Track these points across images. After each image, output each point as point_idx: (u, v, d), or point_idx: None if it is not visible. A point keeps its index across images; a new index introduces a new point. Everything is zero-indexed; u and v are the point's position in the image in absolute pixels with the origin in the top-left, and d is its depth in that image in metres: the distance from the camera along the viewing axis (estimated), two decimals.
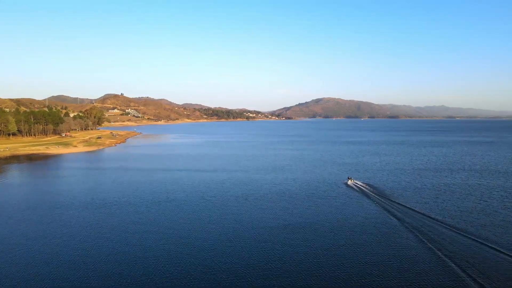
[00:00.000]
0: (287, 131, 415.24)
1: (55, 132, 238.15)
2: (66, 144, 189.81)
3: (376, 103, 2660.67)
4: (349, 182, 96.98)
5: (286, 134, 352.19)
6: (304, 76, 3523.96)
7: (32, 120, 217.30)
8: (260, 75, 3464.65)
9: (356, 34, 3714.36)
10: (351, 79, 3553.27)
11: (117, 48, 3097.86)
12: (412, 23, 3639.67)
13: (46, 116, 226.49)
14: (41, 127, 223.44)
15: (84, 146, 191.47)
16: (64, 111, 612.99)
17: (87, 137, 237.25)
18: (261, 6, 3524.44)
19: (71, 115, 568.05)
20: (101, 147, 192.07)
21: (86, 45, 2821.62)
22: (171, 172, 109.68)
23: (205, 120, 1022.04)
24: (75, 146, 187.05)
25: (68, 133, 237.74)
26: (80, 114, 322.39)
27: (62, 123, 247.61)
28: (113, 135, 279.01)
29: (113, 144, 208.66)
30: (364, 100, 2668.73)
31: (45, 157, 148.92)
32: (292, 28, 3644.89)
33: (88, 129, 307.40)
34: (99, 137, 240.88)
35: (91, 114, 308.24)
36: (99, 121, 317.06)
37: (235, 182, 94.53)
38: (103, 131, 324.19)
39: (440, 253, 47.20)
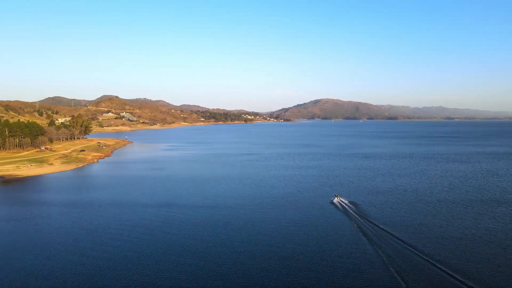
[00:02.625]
0: (288, 139, 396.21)
1: (34, 145, 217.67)
2: (41, 162, 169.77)
3: (375, 104, 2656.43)
4: (335, 200, 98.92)
5: (287, 142, 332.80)
6: (302, 77, 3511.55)
7: (6, 133, 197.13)
8: (258, 75, 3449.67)
9: (354, 34, 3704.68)
10: (349, 80, 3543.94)
11: (115, 49, 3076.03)
12: (409, 24, 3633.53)
13: (23, 128, 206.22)
14: (17, 140, 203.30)
15: (61, 163, 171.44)
16: (54, 115, 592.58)
17: (69, 150, 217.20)
18: (259, 7, 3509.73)
19: (62, 119, 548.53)
20: (80, 165, 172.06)
21: (83, 46, 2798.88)
22: (149, 210, 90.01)
23: (202, 123, 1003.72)
24: (51, 164, 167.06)
25: (48, 146, 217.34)
26: (65, 123, 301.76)
27: (42, 135, 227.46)
28: (100, 145, 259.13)
29: (95, 160, 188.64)
30: (362, 101, 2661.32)
31: (9, 182, 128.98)
32: (290, 29, 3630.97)
33: (74, 139, 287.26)
34: (82, 150, 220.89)
35: (77, 122, 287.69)
36: (86, 130, 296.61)
37: (223, 231, 74.74)
38: (91, 139, 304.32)
39: None
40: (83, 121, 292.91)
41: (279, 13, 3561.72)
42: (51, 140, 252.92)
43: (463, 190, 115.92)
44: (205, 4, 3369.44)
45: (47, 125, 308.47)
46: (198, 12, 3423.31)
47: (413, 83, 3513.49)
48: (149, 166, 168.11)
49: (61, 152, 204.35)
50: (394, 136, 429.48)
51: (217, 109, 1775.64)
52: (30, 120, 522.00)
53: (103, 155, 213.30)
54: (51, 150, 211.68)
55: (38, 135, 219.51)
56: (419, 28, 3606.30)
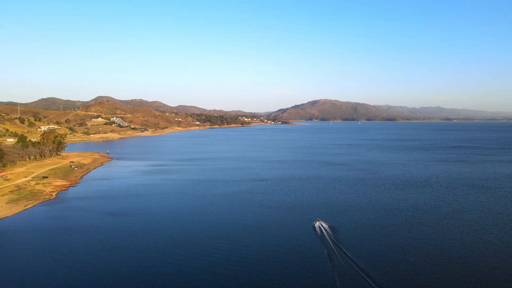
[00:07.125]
0: (290, 152, 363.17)
1: None
2: None
3: (373, 105, 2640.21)
4: (316, 224, 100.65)
5: (289, 159, 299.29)
6: (299, 77, 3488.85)
7: None
8: (256, 76, 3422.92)
9: (351, 35, 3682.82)
10: (347, 80, 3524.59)
11: (111, 50, 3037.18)
12: (407, 25, 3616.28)
13: None
14: None
15: (6, 203, 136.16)
16: (37, 123, 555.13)
17: (29, 178, 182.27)
18: (256, 7, 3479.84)
19: (45, 127, 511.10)
20: (30, 204, 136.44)
21: (80, 47, 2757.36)
22: None
23: (198, 127, 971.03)
24: None
25: (3, 173, 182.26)
26: (34, 140, 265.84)
27: (1, 158, 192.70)
28: (72, 167, 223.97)
29: (53, 195, 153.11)
30: (360, 101, 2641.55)
31: None
32: (288, 29, 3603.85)
33: (45, 157, 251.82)
34: (45, 177, 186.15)
35: (49, 139, 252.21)
36: (58, 147, 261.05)
37: None
38: (66, 156, 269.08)
39: None
40: (55, 137, 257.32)
41: (277, 13, 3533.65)
42: (14, 162, 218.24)
43: None
44: (203, 4, 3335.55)
45: (23, 134, 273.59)
46: (196, 13, 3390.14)
47: (410, 83, 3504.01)
48: (116, 208, 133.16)
49: (16, 182, 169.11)
50: (403, 147, 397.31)
51: (214, 110, 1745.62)
52: (10, 129, 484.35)
53: (69, 183, 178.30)
54: (5, 178, 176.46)
55: None
56: (416, 28, 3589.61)
